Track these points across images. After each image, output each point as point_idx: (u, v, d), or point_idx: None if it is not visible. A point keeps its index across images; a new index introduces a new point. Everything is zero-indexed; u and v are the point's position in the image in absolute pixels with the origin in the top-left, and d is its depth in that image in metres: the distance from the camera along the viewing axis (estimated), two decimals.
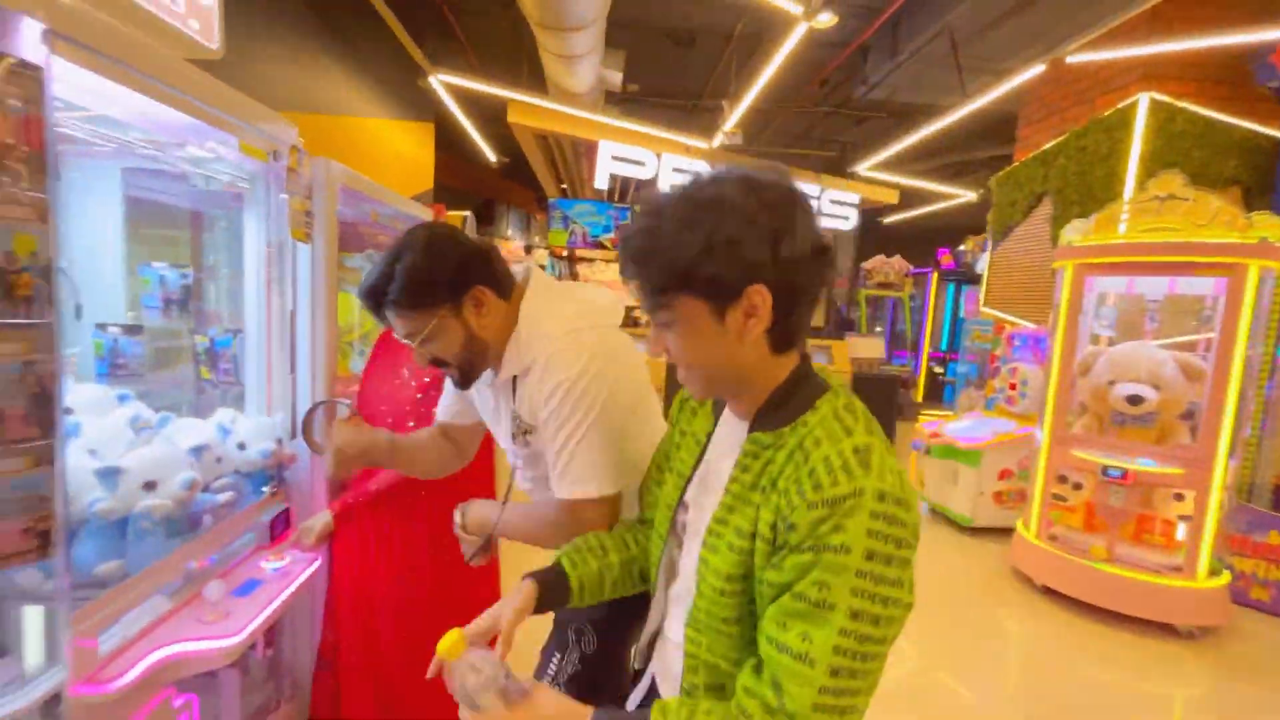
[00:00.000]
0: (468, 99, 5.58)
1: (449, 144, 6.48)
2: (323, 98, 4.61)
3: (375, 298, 1.00)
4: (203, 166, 1.56)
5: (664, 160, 5.80)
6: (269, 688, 1.72)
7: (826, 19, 3.72)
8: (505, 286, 1.06)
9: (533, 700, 0.71)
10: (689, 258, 0.66)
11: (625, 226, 0.77)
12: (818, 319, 9.15)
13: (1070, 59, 3.85)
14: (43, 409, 0.89)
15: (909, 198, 9.11)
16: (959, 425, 4.35)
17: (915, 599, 0.65)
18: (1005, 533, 3.69)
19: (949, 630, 2.83)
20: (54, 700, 0.99)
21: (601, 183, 5.95)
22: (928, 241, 9.68)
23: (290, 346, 1.68)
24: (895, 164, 7.29)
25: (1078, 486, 3.32)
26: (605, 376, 1.00)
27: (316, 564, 1.54)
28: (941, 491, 4.26)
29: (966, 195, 8.23)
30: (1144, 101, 3.61)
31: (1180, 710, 2.44)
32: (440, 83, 4.96)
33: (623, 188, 9.05)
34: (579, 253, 10.36)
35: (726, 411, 0.81)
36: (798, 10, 3.46)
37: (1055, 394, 3.29)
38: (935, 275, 9.38)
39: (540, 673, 1.17)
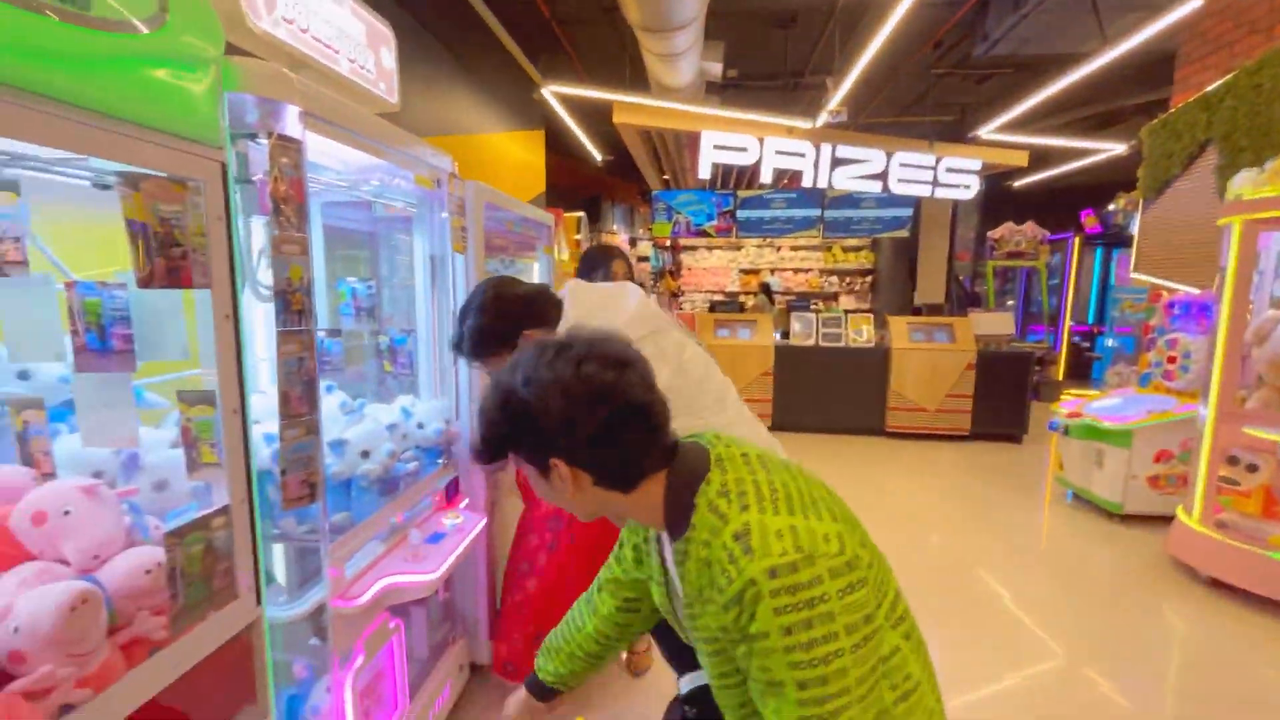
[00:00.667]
0: (575, 104, 5.91)
1: (557, 147, 6.89)
2: (452, 120, 5.14)
3: (456, 349, 1.34)
4: (381, 196, 1.90)
5: (766, 144, 5.77)
6: (445, 627, 2.07)
7: None
8: (553, 320, 1.29)
9: None
10: (500, 436, 0.80)
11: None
12: (938, 295, 8.65)
13: None
14: (310, 392, 1.20)
15: (1042, 158, 8.27)
16: (1104, 403, 3.99)
17: (874, 616, 0.71)
18: (1163, 521, 3.37)
19: (1098, 625, 2.64)
20: (319, 611, 1.32)
21: (705, 172, 6.04)
22: (1067, 204, 8.74)
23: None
24: (1025, 122, 6.68)
25: (1252, 468, 2.97)
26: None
27: (483, 523, 1.84)
28: (1085, 475, 3.95)
29: (1113, 148, 7.33)
30: None
31: None
32: (551, 93, 5.31)
33: (725, 174, 9.05)
34: (682, 241, 10.50)
35: (663, 540, 0.90)
36: None
37: (1222, 365, 2.96)
38: (1077, 240, 8.45)
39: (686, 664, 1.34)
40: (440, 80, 5.07)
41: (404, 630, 1.64)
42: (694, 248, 10.84)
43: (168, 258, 0.94)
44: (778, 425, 5.64)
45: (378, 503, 1.57)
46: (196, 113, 0.99)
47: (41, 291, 1.14)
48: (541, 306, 1.30)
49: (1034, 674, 2.29)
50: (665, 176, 10.41)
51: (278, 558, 1.35)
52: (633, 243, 11.38)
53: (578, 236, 5.93)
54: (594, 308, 1.31)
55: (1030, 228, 7.96)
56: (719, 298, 9.67)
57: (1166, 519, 3.31)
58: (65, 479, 0.98)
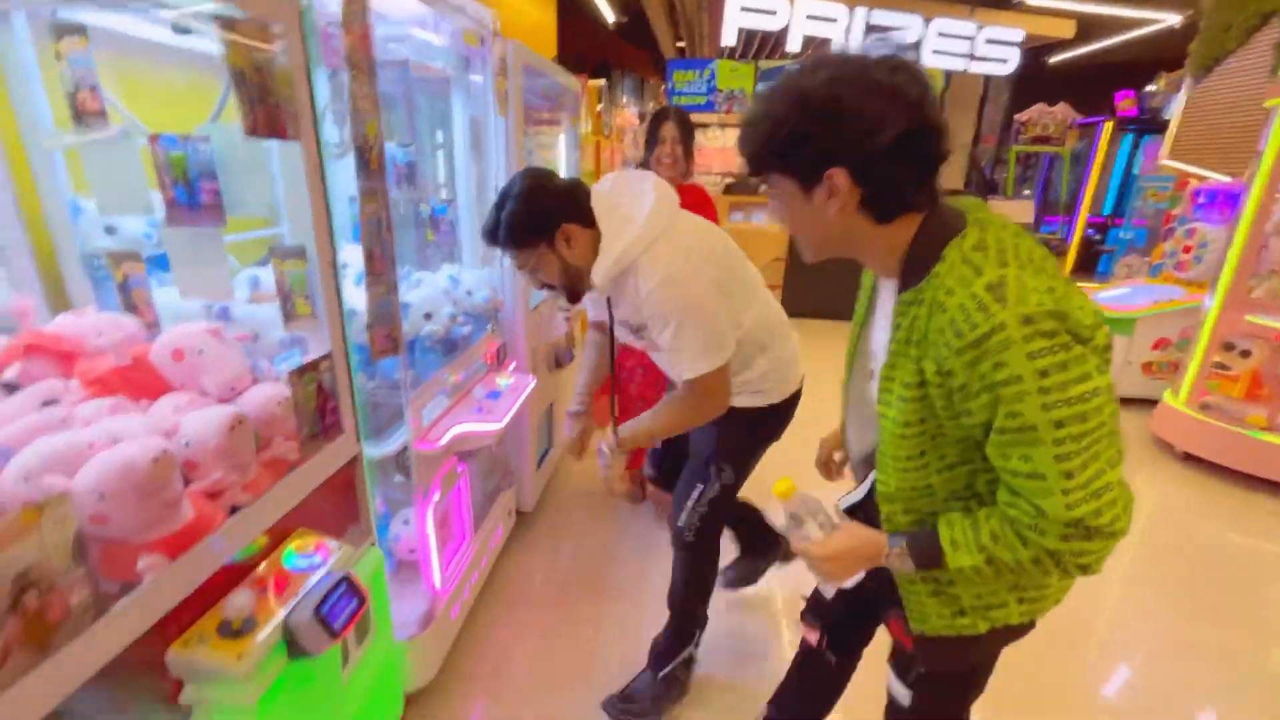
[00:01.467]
0: None
1: (567, 6, 6.32)
2: None
3: (490, 238, 1.26)
4: (420, 55, 1.82)
5: (797, 6, 5.32)
6: (496, 477, 2.28)
7: None
8: (589, 217, 1.26)
9: (845, 530, 0.89)
10: (776, 142, 0.75)
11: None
12: (956, 180, 8.38)
13: None
14: (388, 251, 1.26)
15: (1086, 31, 7.67)
16: (1112, 293, 4.07)
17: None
18: (1149, 405, 3.57)
19: None
20: (404, 451, 1.48)
21: (729, 38, 5.59)
22: (1105, 83, 8.22)
23: None
24: None
25: (1246, 354, 3.12)
26: (684, 275, 1.22)
27: (533, 383, 1.98)
28: None
29: (1167, 19, 6.78)
30: None
31: None
32: None
33: (748, 41, 8.38)
34: (693, 119, 9.96)
35: (886, 286, 0.88)
36: None
37: (1239, 252, 3.00)
38: (1109, 125, 8.07)
39: (682, 500, 1.51)
40: None
41: (467, 474, 1.83)
42: (705, 125, 10.29)
43: (266, 106, 0.96)
44: (788, 311, 5.73)
45: (440, 362, 1.69)
46: None
47: (124, 146, 1.17)
48: (580, 199, 1.27)
49: None
50: (681, 43, 9.63)
51: (370, 401, 1.48)
52: (642, 118, 10.78)
53: (599, 107, 5.61)
54: (616, 201, 1.28)
55: (1062, 109, 7.57)
56: (730, 180, 9.36)
57: (1153, 403, 3.51)
58: (194, 323, 1.07)
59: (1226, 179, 3.88)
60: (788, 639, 1.92)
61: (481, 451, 2.08)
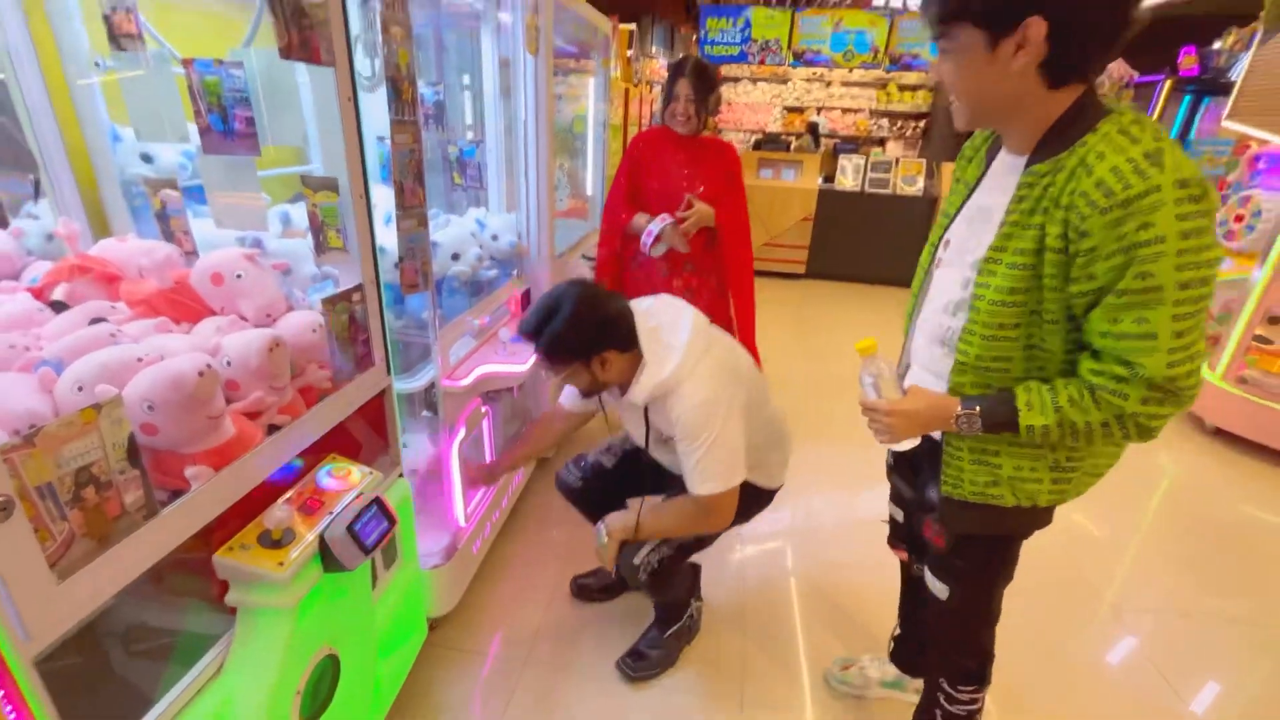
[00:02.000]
0: None
1: None
2: None
3: (529, 340, 1.27)
4: None
5: None
6: (517, 423, 2.33)
7: None
8: (632, 340, 1.27)
9: (913, 393, 0.96)
10: None
11: None
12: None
13: None
14: (420, 184, 1.27)
15: None
16: None
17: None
18: None
19: None
20: (431, 387, 1.52)
21: None
22: (1168, 39, 7.70)
23: (525, 155, 2.00)
24: None
25: None
26: (722, 399, 1.24)
27: None
28: None
29: None
30: None
31: None
32: None
33: None
34: (723, 71, 9.57)
35: (1001, 154, 0.90)
36: None
37: None
38: (1168, 84, 7.61)
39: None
40: None
41: (491, 415, 1.87)
42: (736, 79, 9.93)
43: (301, 29, 0.95)
44: (812, 272, 5.64)
45: (467, 302, 1.71)
46: None
47: (159, 71, 1.17)
48: (624, 324, 1.27)
49: None
50: None
51: (396, 339, 1.51)
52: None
53: (629, 53, 5.44)
54: (658, 323, 1.31)
55: (1119, 66, 7.12)
56: (759, 137, 9.10)
57: None
58: (229, 248, 1.09)
59: None
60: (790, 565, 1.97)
61: (504, 397, 2.12)
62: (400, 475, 1.41)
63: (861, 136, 9.97)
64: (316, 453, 1.13)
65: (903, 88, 9.75)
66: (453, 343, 1.60)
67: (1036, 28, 0.73)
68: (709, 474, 1.27)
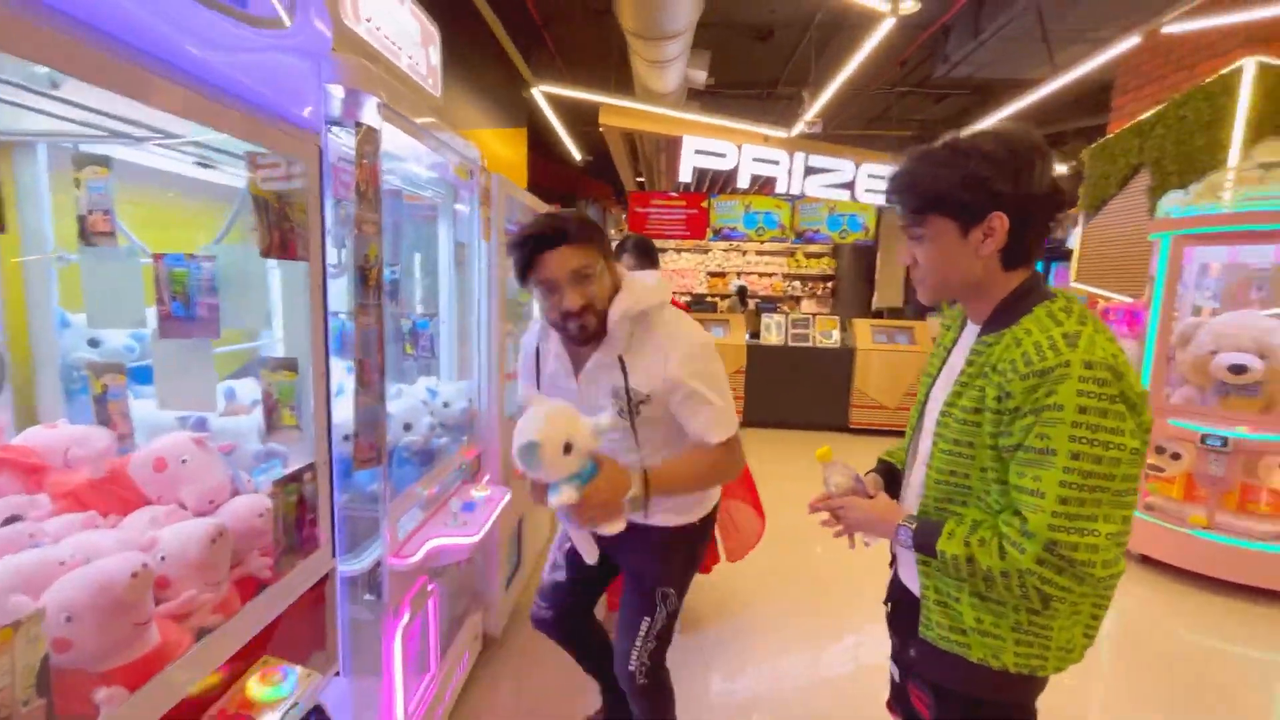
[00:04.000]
0: (560, 104, 6.00)
1: (537, 145, 6.95)
2: (448, 116, 5.15)
3: (556, 234, 1.17)
4: (413, 184, 1.98)
5: (744, 151, 6.01)
6: (464, 599, 2.16)
7: (910, 5, 3.82)
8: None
9: (879, 496, 1.07)
10: (947, 188, 0.89)
11: (896, 168, 0.98)
12: (896, 299, 9.09)
13: (1167, 29, 3.77)
14: (380, 362, 1.30)
15: None
16: None
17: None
18: None
19: None
20: (378, 566, 1.42)
21: (686, 175, 6.23)
22: None
23: (477, 325, 2.10)
24: None
25: (1176, 456, 3.34)
26: (711, 345, 1.31)
27: (508, 496, 1.95)
28: None
29: (1057, 169, 7.92)
30: (1250, 67, 3.51)
31: None
32: (540, 92, 5.39)
33: (700, 178, 9.29)
34: (656, 241, 10.75)
35: (969, 324, 1.03)
36: (885, 7, 3.59)
37: (1152, 366, 3.32)
38: None
39: (631, 633, 1.40)
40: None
41: (437, 593, 1.74)
42: (663, 250, 11.09)
43: (282, 230, 1.03)
44: (749, 421, 5.87)
45: (418, 473, 1.67)
46: (304, 100, 1.09)
47: (127, 264, 1.21)
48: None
49: None
50: (640, 179, 10.59)
51: (344, 516, 1.43)
52: None
53: None
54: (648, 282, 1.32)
55: None
56: (687, 299, 9.93)
57: None
58: (179, 432, 1.06)
59: (1129, 299, 4.37)
60: None
61: (449, 570, 1.99)
62: (337, 673, 1.26)
63: (779, 296, 11.16)
64: (249, 653, 1.01)
65: (808, 255, 11.22)
66: (401, 515, 1.53)
67: (1000, 220, 0.88)
68: (724, 417, 1.28)
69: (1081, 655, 0.97)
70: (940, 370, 1.07)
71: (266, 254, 1.01)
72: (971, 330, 1.01)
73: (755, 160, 6.00)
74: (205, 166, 1.22)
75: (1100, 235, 4.75)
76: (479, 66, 5.19)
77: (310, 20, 1.04)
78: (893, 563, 1.18)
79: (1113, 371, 0.79)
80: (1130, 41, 3.90)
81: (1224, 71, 3.67)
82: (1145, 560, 3.27)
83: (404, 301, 2.35)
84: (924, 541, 0.95)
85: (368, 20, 1.30)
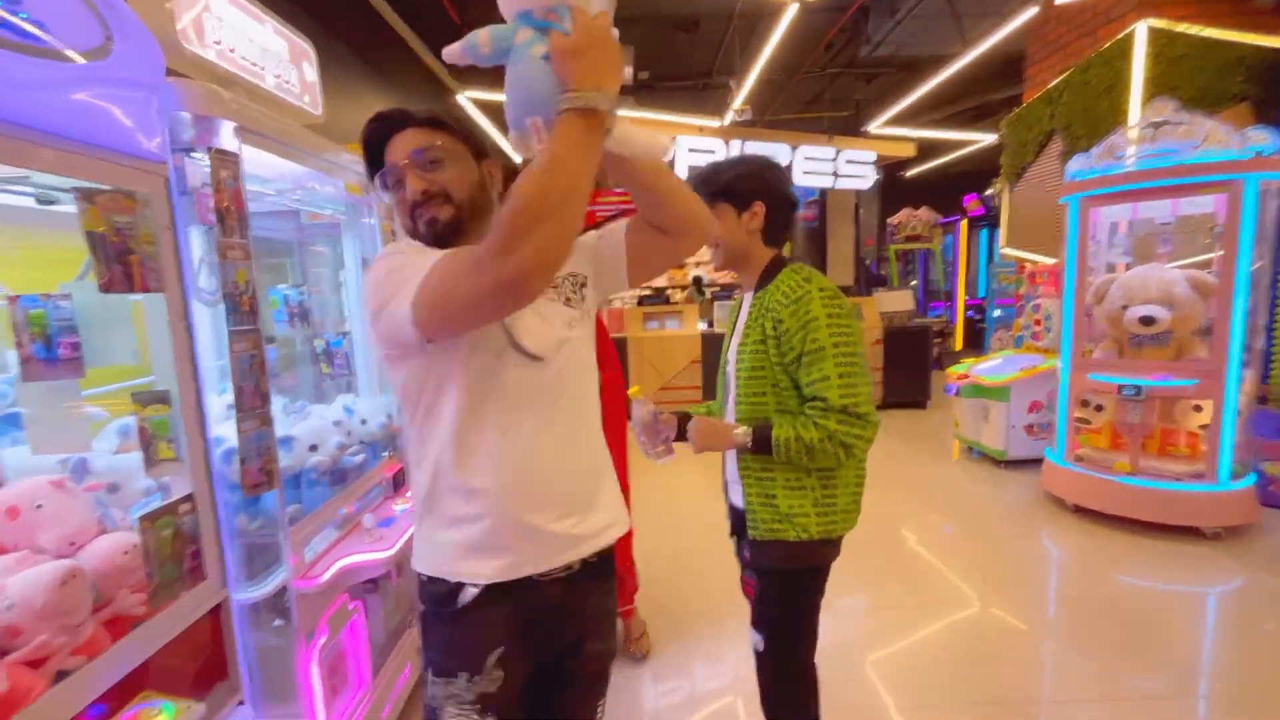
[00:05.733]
0: (491, 109, 5.95)
1: (475, 153, 6.89)
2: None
3: (397, 116, 0.98)
4: (309, 204, 1.96)
5: (680, 142, 6.05)
6: (400, 612, 2.16)
7: None
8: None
9: (705, 420, 1.34)
10: (733, 184, 1.29)
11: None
12: (847, 279, 9.28)
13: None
14: (262, 386, 1.29)
15: (930, 148, 9.03)
16: (987, 365, 4.52)
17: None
18: (1039, 463, 3.87)
19: (992, 560, 2.99)
20: (282, 591, 1.41)
21: None
22: (955, 189, 9.59)
23: None
24: (911, 116, 7.31)
25: (1099, 408, 3.50)
26: None
27: None
28: (976, 429, 4.46)
29: (986, 139, 8.15)
30: (1141, 30, 3.67)
31: (1213, 603, 2.60)
32: (468, 98, 5.34)
33: None
34: None
35: (745, 296, 1.38)
36: None
37: (1072, 323, 3.46)
38: (963, 223, 9.30)
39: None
40: (357, 89, 5.00)
41: (363, 612, 1.74)
42: None
43: (124, 264, 1.02)
44: None
45: (329, 493, 1.66)
46: (140, 131, 1.07)
47: None
48: None
49: (948, 621, 2.51)
50: None
51: (240, 543, 1.42)
52: None
53: None
54: None
55: (925, 212, 8.68)
56: (646, 293, 9.96)
57: (1039, 461, 3.81)
58: (36, 476, 1.04)
59: (1051, 260, 4.54)
60: None
61: (383, 585, 1.98)
62: (241, 703, 1.25)
63: (735, 284, 11.24)
64: (125, 690, 1.00)
65: None
66: (311, 537, 1.52)
67: (759, 207, 1.30)
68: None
69: (855, 521, 1.32)
70: (733, 333, 1.40)
71: (107, 289, 1.00)
72: (748, 297, 1.37)
73: (691, 151, 6.05)
74: (47, 204, 1.19)
75: (1024, 201, 4.92)
76: (398, 76, 5.12)
77: (135, 50, 1.03)
78: (725, 491, 1.45)
79: (833, 291, 1.23)
80: (1030, 12, 4.04)
81: (1120, 36, 3.83)
82: (1079, 510, 3.41)
83: (316, 322, 2.33)
84: (761, 435, 1.24)
85: (217, 43, 1.28)
